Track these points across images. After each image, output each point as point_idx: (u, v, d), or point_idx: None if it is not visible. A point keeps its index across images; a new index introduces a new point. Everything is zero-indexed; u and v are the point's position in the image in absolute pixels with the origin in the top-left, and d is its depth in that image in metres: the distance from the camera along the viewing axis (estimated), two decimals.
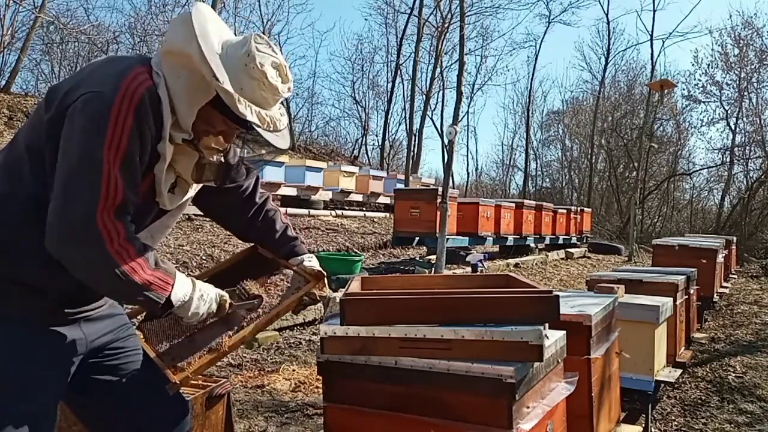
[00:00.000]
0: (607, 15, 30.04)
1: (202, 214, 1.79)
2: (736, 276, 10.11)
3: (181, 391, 1.51)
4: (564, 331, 1.77)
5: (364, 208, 14.29)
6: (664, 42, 31.33)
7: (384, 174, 15.46)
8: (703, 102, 24.01)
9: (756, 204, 21.67)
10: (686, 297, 4.33)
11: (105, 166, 1.26)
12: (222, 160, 1.53)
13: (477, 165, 49.81)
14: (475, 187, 30.52)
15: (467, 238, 9.85)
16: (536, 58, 29.24)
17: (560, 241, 13.65)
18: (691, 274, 4.51)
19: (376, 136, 25.27)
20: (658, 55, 37.50)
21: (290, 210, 10.78)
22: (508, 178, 32.13)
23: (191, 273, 6.56)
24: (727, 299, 7.90)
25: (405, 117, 22.21)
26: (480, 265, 8.52)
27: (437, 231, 8.19)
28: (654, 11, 28.59)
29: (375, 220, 12.98)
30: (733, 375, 4.43)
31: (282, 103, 1.52)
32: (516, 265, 10.35)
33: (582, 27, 60.49)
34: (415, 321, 1.52)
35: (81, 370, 1.48)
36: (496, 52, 42.84)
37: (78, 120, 1.27)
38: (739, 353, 5.04)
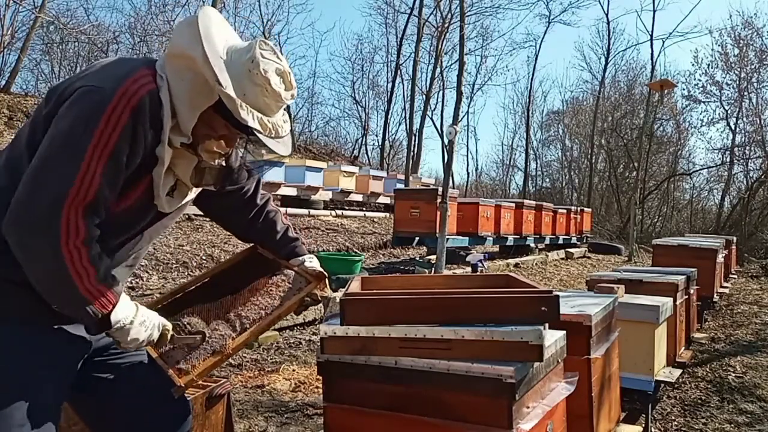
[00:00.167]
0: (607, 15, 30.14)
1: (202, 214, 1.78)
2: (736, 276, 10.11)
3: None
4: (564, 331, 1.77)
5: (364, 208, 14.29)
6: (664, 42, 31.44)
7: (384, 174, 15.46)
8: (703, 102, 24.05)
9: (756, 204, 21.67)
10: (686, 297, 4.33)
11: (85, 161, 1.24)
12: (223, 164, 1.53)
13: (477, 165, 49.99)
14: (475, 187, 30.53)
15: (467, 238, 9.85)
16: (536, 58, 29.34)
17: (560, 241, 13.65)
18: (691, 274, 4.51)
19: (376, 136, 25.31)
20: (658, 55, 37.59)
21: (290, 210, 10.78)
22: (508, 178, 32.18)
23: (191, 273, 6.57)
24: (727, 299, 7.90)
25: (405, 117, 22.26)
26: (480, 265, 8.53)
27: (437, 231, 8.19)
28: (654, 11, 28.73)
29: (375, 220, 12.99)
30: (733, 375, 4.43)
31: (285, 109, 1.52)
32: (516, 265, 10.35)
33: (582, 27, 60.66)
34: (415, 321, 1.52)
35: (84, 369, 1.48)
36: (496, 52, 42.98)
37: (71, 109, 1.26)
38: (739, 353, 5.04)
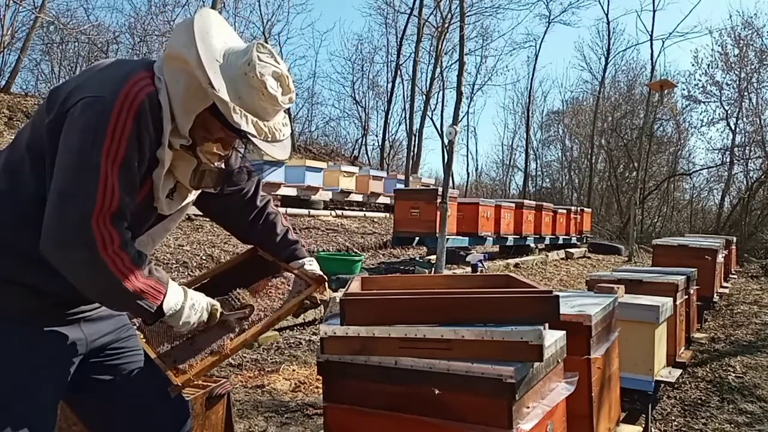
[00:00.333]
0: (607, 15, 30.17)
1: (202, 214, 1.78)
2: (736, 276, 10.11)
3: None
4: (564, 331, 1.77)
5: (364, 208, 14.30)
6: (664, 42, 31.45)
7: (384, 174, 15.47)
8: (703, 102, 24.03)
9: (756, 204, 21.65)
10: (686, 297, 4.33)
11: (102, 172, 1.26)
12: (222, 166, 1.53)
13: (477, 165, 49.88)
14: (475, 187, 30.54)
15: (467, 238, 9.85)
16: (536, 59, 29.34)
17: (560, 241, 13.65)
18: (691, 274, 4.51)
19: (376, 136, 25.32)
20: (658, 55, 37.57)
21: (290, 210, 10.79)
22: (508, 178, 32.18)
23: (191, 273, 6.57)
24: (727, 299, 7.90)
25: (405, 117, 22.27)
26: (480, 265, 8.53)
27: (437, 231, 8.19)
28: (654, 11, 28.61)
29: (375, 220, 12.99)
30: (733, 375, 4.43)
31: (286, 112, 1.51)
32: (516, 265, 10.35)
33: (582, 27, 60.65)
34: (415, 321, 1.52)
35: (81, 370, 1.48)
36: (496, 52, 42.97)
37: (77, 124, 1.27)
38: (739, 353, 5.04)
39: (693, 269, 4.70)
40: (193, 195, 1.56)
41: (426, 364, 1.49)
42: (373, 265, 9.02)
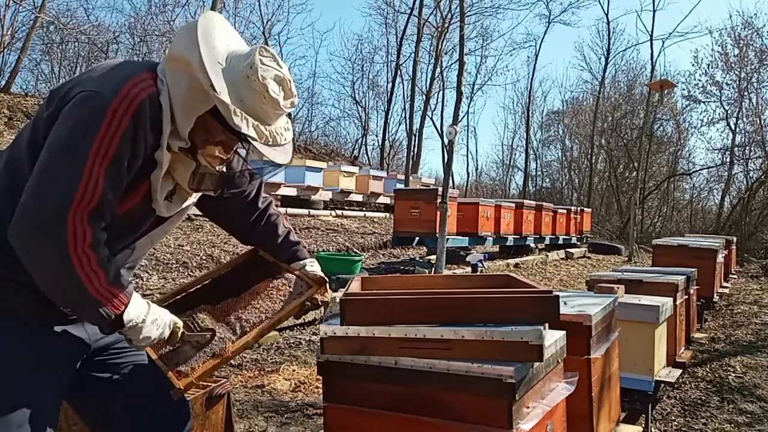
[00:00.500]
0: (607, 15, 30.20)
1: (201, 214, 1.78)
2: (736, 276, 10.11)
3: None
4: (564, 331, 1.77)
5: (364, 208, 14.30)
6: (664, 42, 31.49)
7: (384, 174, 15.47)
8: (703, 102, 24.04)
9: (756, 204, 21.65)
10: (686, 297, 4.33)
11: (88, 166, 1.24)
12: (223, 170, 1.52)
13: (477, 165, 49.94)
14: (475, 187, 30.54)
15: (467, 238, 9.86)
16: (536, 59, 29.38)
17: (560, 241, 13.65)
18: (691, 274, 4.51)
19: (376, 136, 25.32)
20: (658, 55, 37.60)
21: (290, 210, 10.79)
22: (508, 178, 32.19)
23: (191, 273, 6.57)
24: (727, 299, 7.90)
25: (405, 117, 22.27)
26: (480, 265, 8.53)
27: (437, 231, 8.19)
28: (654, 11, 28.64)
29: (375, 220, 12.99)
30: (733, 375, 4.43)
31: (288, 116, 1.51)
32: (516, 265, 10.35)
33: (582, 27, 60.73)
34: (415, 321, 1.52)
35: (83, 369, 1.48)
36: (496, 52, 43.01)
37: (71, 115, 1.26)
38: (739, 353, 5.04)
39: (693, 269, 4.70)
40: (192, 197, 1.55)
41: (426, 364, 1.49)
42: (373, 265, 9.02)
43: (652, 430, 3.41)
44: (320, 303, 1.69)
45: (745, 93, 22.95)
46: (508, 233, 10.96)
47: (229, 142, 1.46)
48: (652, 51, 24.44)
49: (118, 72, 1.34)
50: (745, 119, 23.50)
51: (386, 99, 23.59)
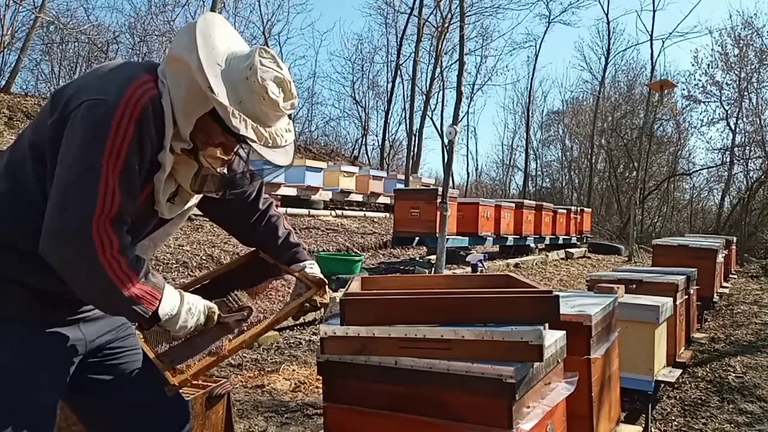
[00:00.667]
0: (607, 15, 30.20)
1: (202, 214, 1.78)
2: (736, 276, 10.11)
3: (181, 391, 1.51)
4: (564, 331, 1.76)
5: (364, 208, 14.30)
6: (664, 42, 31.54)
7: (384, 174, 15.47)
8: (703, 102, 24.04)
9: (756, 204, 21.65)
10: (686, 297, 4.33)
11: (103, 176, 1.25)
12: (225, 171, 1.52)
13: (477, 165, 49.97)
14: (475, 187, 30.54)
15: (467, 238, 9.86)
16: (536, 58, 29.46)
17: (560, 241, 13.65)
18: (691, 274, 4.51)
19: (376, 136, 25.33)
20: (658, 55, 37.62)
21: (290, 210, 10.79)
22: (508, 178, 32.20)
23: (191, 273, 6.57)
24: (727, 299, 7.90)
25: (405, 117, 22.28)
26: (480, 265, 8.53)
27: (437, 231, 8.19)
28: (654, 11, 28.73)
29: (375, 220, 12.99)
30: (733, 375, 4.43)
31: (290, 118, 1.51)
32: (516, 265, 10.35)
33: (582, 27, 60.74)
34: (415, 321, 1.52)
35: (80, 370, 1.48)
36: (496, 52, 43.10)
37: (79, 126, 1.27)
38: (739, 353, 5.04)
39: (693, 269, 4.71)
40: (194, 199, 1.55)
41: (426, 364, 1.49)
42: (373, 265, 9.02)
43: (652, 430, 3.41)
44: (319, 305, 1.69)
45: (745, 93, 22.97)
46: (508, 233, 10.96)
47: (228, 143, 1.46)
48: (652, 51, 24.51)
49: (120, 74, 1.34)
50: (745, 119, 23.54)
51: (386, 99, 23.64)
